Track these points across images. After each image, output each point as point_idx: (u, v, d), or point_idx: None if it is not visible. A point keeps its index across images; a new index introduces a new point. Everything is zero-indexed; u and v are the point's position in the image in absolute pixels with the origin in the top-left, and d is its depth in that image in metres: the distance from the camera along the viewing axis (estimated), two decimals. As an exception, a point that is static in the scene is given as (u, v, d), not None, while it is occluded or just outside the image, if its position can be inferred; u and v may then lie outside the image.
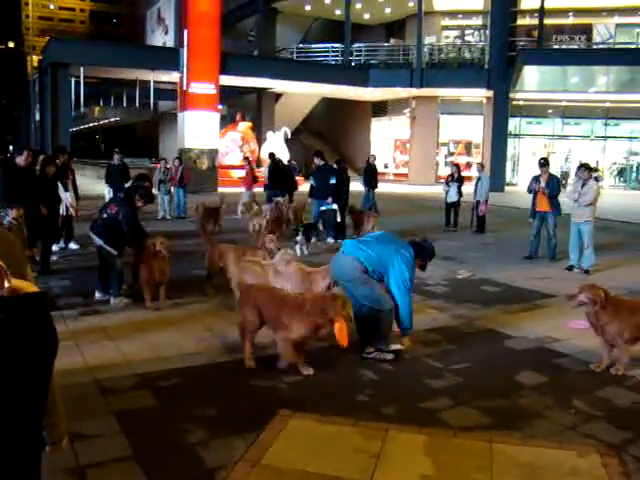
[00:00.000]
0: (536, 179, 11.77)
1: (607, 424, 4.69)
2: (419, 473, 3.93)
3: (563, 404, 5.01)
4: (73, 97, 31.52)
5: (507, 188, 30.98)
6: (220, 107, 28.90)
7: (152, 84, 30.85)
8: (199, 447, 4.20)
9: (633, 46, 32.72)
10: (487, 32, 32.98)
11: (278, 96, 36.54)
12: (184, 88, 26.94)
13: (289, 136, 33.21)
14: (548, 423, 4.69)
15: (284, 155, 31.64)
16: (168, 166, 17.85)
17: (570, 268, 10.86)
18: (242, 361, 5.82)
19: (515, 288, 9.39)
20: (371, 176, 18.64)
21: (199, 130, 26.84)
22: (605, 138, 35.74)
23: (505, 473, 3.94)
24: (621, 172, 36.28)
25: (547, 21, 31.23)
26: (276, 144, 32.41)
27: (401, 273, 5.89)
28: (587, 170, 10.73)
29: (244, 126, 31.82)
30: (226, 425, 4.55)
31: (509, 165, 34.27)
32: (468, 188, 16.81)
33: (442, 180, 18.07)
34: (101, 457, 4.04)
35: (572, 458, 4.15)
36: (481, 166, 16.84)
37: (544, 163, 11.88)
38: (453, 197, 16.14)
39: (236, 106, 34.31)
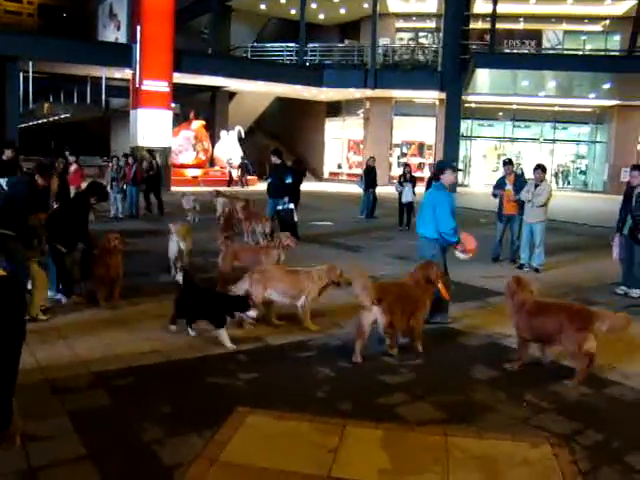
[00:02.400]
0: (500, 183, 11.91)
1: (557, 416, 4.83)
2: (376, 467, 3.98)
3: (515, 398, 5.13)
4: (22, 92, 30.77)
5: (459, 189, 31.39)
6: (173, 105, 28.56)
7: (104, 81, 30.34)
8: (156, 445, 4.17)
9: (580, 52, 33.54)
10: (440, 35, 33.41)
11: (232, 95, 36.35)
12: (137, 85, 26.55)
13: (243, 135, 33.10)
14: (501, 416, 4.81)
15: (237, 154, 31.62)
16: (120, 164, 17.59)
17: (521, 267, 11.09)
18: (198, 359, 5.80)
19: (468, 286, 9.53)
20: (372, 178, 18.55)
21: (152, 128, 26.51)
22: (554, 141, 36.67)
23: (460, 465, 4.02)
24: (567, 174, 37.24)
25: (499, 26, 31.79)
26: (230, 143, 32.30)
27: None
28: (542, 171, 10.97)
29: (197, 125, 31.54)
30: (183, 423, 4.52)
31: (461, 167, 34.77)
32: (420, 189, 16.99)
33: (394, 181, 18.24)
34: (54, 458, 3.96)
35: (524, 449, 4.26)
36: (434, 167, 17.05)
37: (508, 162, 12.10)
38: (408, 197, 16.33)
39: (189, 104, 33.91)
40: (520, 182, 11.66)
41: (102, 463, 3.93)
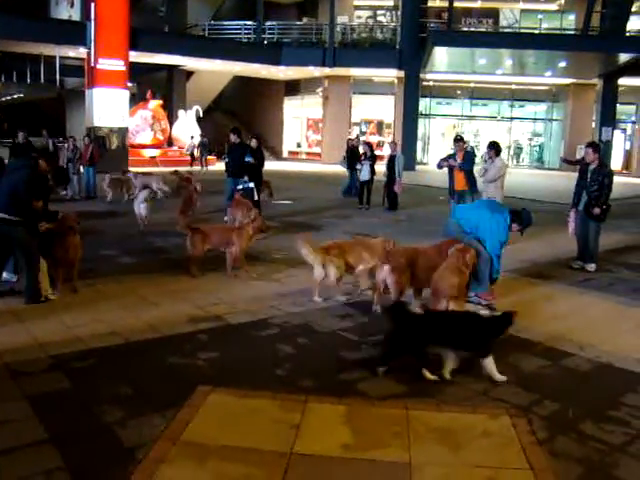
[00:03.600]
0: (450, 157, 11.99)
1: (516, 388, 4.93)
2: (338, 442, 4.01)
3: (474, 371, 5.21)
4: (-30, 72, 29.89)
5: (418, 167, 31.65)
6: (130, 84, 28.04)
7: (58, 59, 29.56)
8: (117, 427, 4.14)
9: (537, 31, 33.84)
10: (399, 13, 33.35)
11: (189, 74, 35.81)
12: (92, 64, 25.97)
13: (201, 115, 32.72)
14: (461, 389, 4.89)
15: (195, 134, 31.23)
16: (77, 144, 17.25)
17: None
18: (158, 340, 5.77)
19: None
20: (354, 158, 18.18)
21: (108, 108, 26.01)
22: (511, 119, 37.07)
23: (421, 438, 4.08)
24: (519, 152, 37.72)
25: (456, 4, 31.83)
26: (188, 123, 31.90)
27: (493, 233, 6.91)
28: (493, 149, 11.08)
29: (155, 104, 31.05)
30: (144, 404, 4.49)
31: (420, 144, 34.99)
32: (380, 167, 17.08)
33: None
34: (14, 443, 3.90)
35: (484, 421, 4.35)
36: (394, 145, 17.09)
37: (460, 139, 12.17)
38: (366, 176, 16.35)
39: (146, 84, 33.33)
40: (469, 159, 11.79)
41: (63, 446, 3.88)
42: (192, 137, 30.64)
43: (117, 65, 26.05)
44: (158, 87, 34.11)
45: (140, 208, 12.14)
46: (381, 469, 3.74)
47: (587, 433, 4.24)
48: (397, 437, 4.08)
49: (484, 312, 6.23)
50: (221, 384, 4.80)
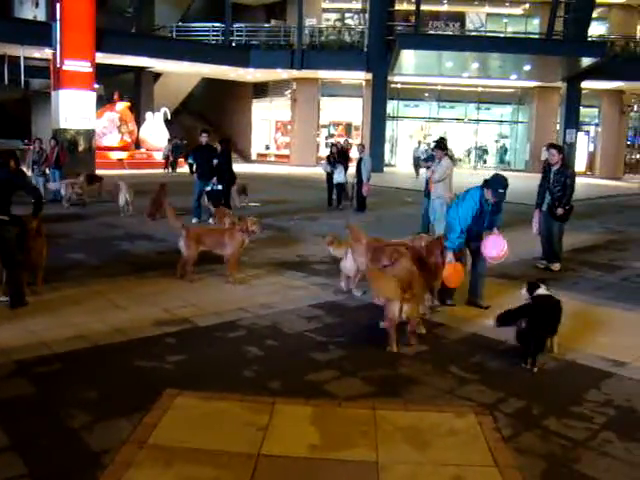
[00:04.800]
0: (429, 159, 12.09)
1: (481, 386, 5.01)
2: (306, 443, 4.03)
3: (441, 370, 5.27)
4: None
5: (386, 169, 31.82)
6: (96, 86, 27.67)
7: (22, 60, 29.07)
8: (83, 431, 4.10)
9: (502, 35, 34.26)
10: (366, 16, 33.48)
11: (157, 76, 35.54)
12: (58, 65, 25.57)
13: (169, 117, 32.48)
14: (427, 388, 4.94)
15: (163, 136, 31.01)
16: (43, 146, 17.01)
17: None
18: (124, 343, 5.72)
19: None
20: (345, 159, 18.02)
21: (74, 110, 25.66)
22: (478, 121, 37.48)
23: (388, 437, 4.11)
24: (483, 154, 38.14)
25: (423, 7, 32.07)
26: (156, 125, 31.66)
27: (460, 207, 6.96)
28: (439, 149, 11.24)
29: (122, 106, 30.73)
30: (111, 408, 4.45)
31: (387, 147, 35.17)
32: (350, 169, 17.15)
33: (323, 161, 18.28)
34: (-24, 450, 3.83)
35: (450, 419, 4.40)
36: (362, 147, 17.19)
37: (438, 146, 12.32)
38: (340, 178, 16.46)
39: (113, 85, 32.93)
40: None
41: (26, 453, 3.83)
42: (170, 140, 30.39)
43: (83, 66, 25.67)
44: (126, 89, 33.78)
45: (125, 196, 13.93)
46: (349, 469, 3.76)
47: (551, 429, 4.31)
48: (365, 437, 4.11)
49: None
50: (188, 387, 4.78)
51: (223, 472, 3.67)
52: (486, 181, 6.98)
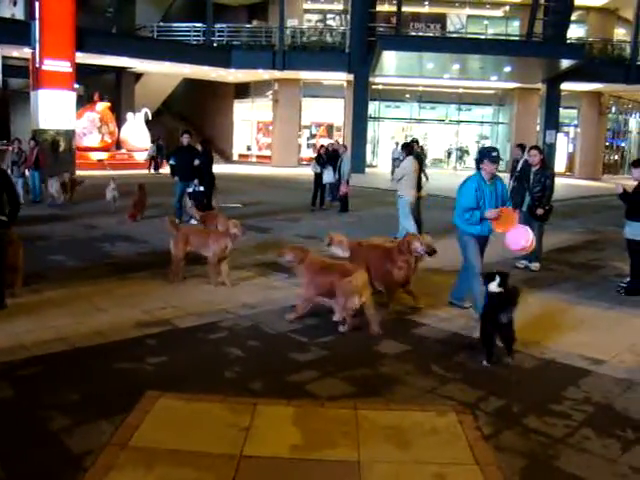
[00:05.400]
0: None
1: (462, 385, 5.05)
2: (288, 443, 4.03)
3: (422, 370, 5.30)
4: None
5: (367, 170, 31.90)
6: (76, 86, 27.47)
7: (0, 59, 28.78)
8: (63, 434, 4.07)
9: (483, 37, 34.47)
10: (348, 17, 33.55)
11: (138, 76, 35.37)
12: (37, 65, 25.36)
13: (150, 117, 32.31)
14: (409, 388, 4.97)
15: (144, 137, 30.84)
16: (22, 147, 16.83)
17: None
18: (105, 345, 5.69)
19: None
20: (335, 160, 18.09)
21: (54, 110, 25.45)
22: (458, 122, 37.69)
23: (370, 437, 4.12)
24: (467, 154, 38.34)
25: (405, 9, 32.22)
26: (136, 126, 31.49)
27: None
28: (404, 149, 11.65)
29: (102, 107, 30.52)
30: (91, 410, 4.42)
31: (369, 147, 35.24)
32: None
33: (305, 162, 18.29)
34: (-46, 454, 3.80)
35: (431, 418, 4.42)
36: (344, 147, 17.22)
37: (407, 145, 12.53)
38: (330, 178, 16.57)
39: (94, 86, 32.71)
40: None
41: (6, 456, 3.79)
42: (154, 140, 30.23)
43: (63, 66, 25.48)
44: (106, 89, 33.57)
45: (112, 193, 14.73)
46: (330, 468, 3.77)
47: (531, 427, 4.36)
48: (346, 436, 4.12)
49: None
50: (170, 388, 4.77)
51: (205, 473, 3.66)
52: (479, 158, 7.01)
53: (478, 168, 6.92)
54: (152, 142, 30.11)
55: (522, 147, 15.20)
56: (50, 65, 25.17)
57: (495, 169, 6.77)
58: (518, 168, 14.39)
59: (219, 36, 33.59)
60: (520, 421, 4.45)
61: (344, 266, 6.56)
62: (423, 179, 12.37)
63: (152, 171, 28.58)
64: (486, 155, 6.77)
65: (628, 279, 8.51)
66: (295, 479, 3.68)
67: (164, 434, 4.11)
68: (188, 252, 8.24)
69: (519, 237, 6.65)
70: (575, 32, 35.06)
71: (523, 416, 4.52)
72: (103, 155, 29.44)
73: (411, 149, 11.78)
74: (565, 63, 28.88)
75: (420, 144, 19.17)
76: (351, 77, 32.13)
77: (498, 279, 5.60)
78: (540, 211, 9.50)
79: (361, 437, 4.12)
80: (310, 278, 6.51)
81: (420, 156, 12.67)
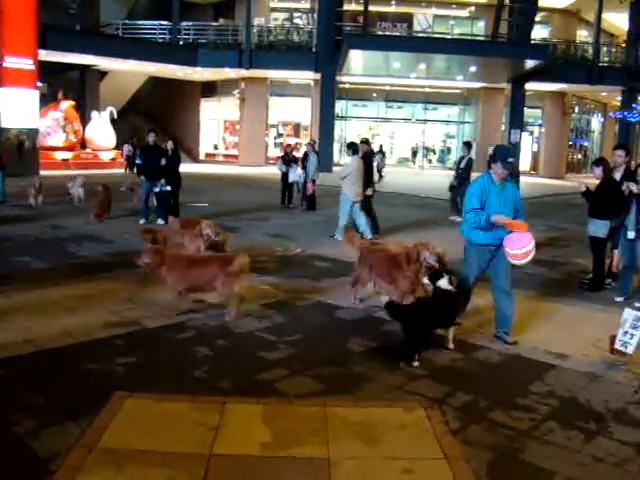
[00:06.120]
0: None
1: (429, 381, 5.11)
2: (258, 441, 4.04)
3: (390, 367, 5.35)
4: None
5: (335, 169, 31.92)
6: (40, 84, 27.03)
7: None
8: (29, 437, 4.02)
9: (449, 37, 34.78)
10: (315, 16, 33.58)
11: (103, 74, 34.94)
12: (-2, 62, 24.94)
13: (115, 116, 31.94)
14: (377, 385, 5.01)
15: (110, 136, 30.48)
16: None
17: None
18: (72, 346, 5.63)
19: (344, 262, 9.75)
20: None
21: (17, 109, 25.02)
22: (425, 121, 37.99)
23: (339, 434, 4.15)
24: (432, 153, 38.71)
25: (372, 8, 32.38)
26: (102, 125, 31.10)
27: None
28: (350, 149, 11.98)
29: (66, 105, 30.06)
30: (58, 412, 4.37)
31: (336, 146, 35.31)
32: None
33: (272, 161, 18.32)
34: None
35: (400, 414, 4.47)
36: (311, 146, 17.24)
37: (365, 141, 12.99)
38: (295, 177, 16.64)
39: (58, 84, 32.22)
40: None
41: (-31, 461, 3.73)
42: (129, 141, 29.88)
43: (25, 64, 25.06)
44: (70, 87, 33.09)
45: (78, 190, 15.05)
46: (300, 465, 3.79)
47: (497, 421, 4.43)
48: (316, 434, 4.14)
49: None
50: (138, 389, 4.74)
51: (175, 473, 3.65)
52: (491, 156, 6.49)
53: (489, 167, 6.36)
54: (127, 142, 29.73)
55: (468, 145, 15.63)
56: (12, 62, 24.72)
57: (506, 175, 6.10)
58: (462, 165, 14.99)
59: (185, 34, 33.36)
60: (487, 415, 4.52)
61: (222, 256, 6.89)
62: (376, 177, 12.65)
63: (129, 171, 28.26)
64: (500, 159, 6.06)
65: (591, 275, 8.68)
66: (265, 477, 3.69)
67: (133, 435, 4.08)
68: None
69: (517, 240, 5.89)
70: (539, 33, 35.61)
71: (490, 410, 4.60)
72: (68, 155, 29.02)
73: (356, 148, 12.03)
74: (529, 63, 29.28)
75: (371, 143, 19.44)
76: (318, 76, 32.16)
77: (447, 277, 5.75)
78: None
79: (330, 434, 4.14)
80: (180, 274, 6.54)
81: (370, 156, 12.80)
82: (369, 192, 12.06)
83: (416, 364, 5.37)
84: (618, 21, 36.82)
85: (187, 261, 6.77)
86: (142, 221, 12.80)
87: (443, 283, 5.85)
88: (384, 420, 4.37)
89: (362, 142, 12.70)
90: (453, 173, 15.58)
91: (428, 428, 4.27)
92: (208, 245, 8.02)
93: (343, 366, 5.38)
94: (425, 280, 6.08)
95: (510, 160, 6.09)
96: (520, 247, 5.84)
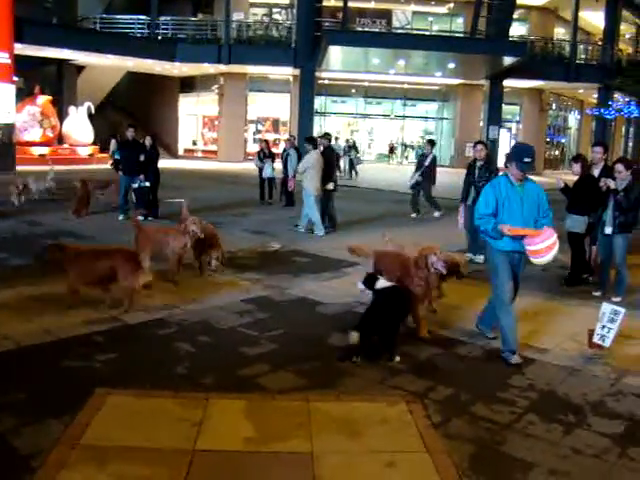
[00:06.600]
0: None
1: (411, 375, 5.15)
2: (241, 436, 4.05)
3: (372, 362, 5.37)
4: None
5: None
6: (16, 79, 26.68)
7: None
8: (10, 435, 3.99)
9: (427, 33, 34.87)
10: (294, 11, 33.47)
11: (80, 69, 34.55)
12: (-28, 56, 24.58)
13: (93, 111, 31.63)
14: (359, 379, 5.04)
15: (87, 132, 30.18)
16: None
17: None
18: (52, 344, 5.58)
19: (324, 258, 9.79)
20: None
21: (-8, 103, 24.69)
22: (404, 117, 38.11)
23: (323, 428, 4.17)
24: (410, 149, 38.83)
25: (351, 4, 32.30)
26: (79, 120, 30.79)
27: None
28: (310, 143, 12.29)
29: (43, 100, 29.69)
30: (39, 410, 4.35)
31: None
32: (277, 164, 17.21)
33: (251, 157, 18.27)
34: None
35: (382, 408, 4.51)
36: (290, 142, 17.22)
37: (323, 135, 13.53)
38: (268, 173, 16.61)
39: (34, 78, 31.79)
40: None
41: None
42: (113, 137, 29.56)
43: (1, 57, 24.72)
44: (47, 82, 32.71)
45: (49, 182, 15.30)
46: (284, 460, 3.80)
47: (478, 414, 4.49)
48: (299, 428, 4.16)
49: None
50: (120, 385, 4.73)
51: (158, 469, 3.65)
52: (508, 156, 5.97)
53: (506, 166, 5.86)
54: (114, 137, 29.41)
55: (432, 143, 15.76)
56: (-13, 56, 24.38)
57: (523, 176, 5.61)
58: (426, 163, 15.08)
59: (164, 29, 33.06)
60: (468, 409, 4.57)
61: (125, 249, 6.86)
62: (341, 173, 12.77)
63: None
64: (516, 158, 5.56)
65: (569, 270, 8.78)
66: (249, 472, 3.70)
67: (115, 431, 4.07)
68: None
69: (541, 239, 5.40)
70: (517, 30, 35.84)
71: (471, 404, 4.65)
72: (45, 150, 28.69)
73: (315, 143, 12.28)
74: (507, 60, 29.48)
75: (334, 138, 19.51)
76: (297, 72, 32.07)
77: (382, 280, 5.70)
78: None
79: (313, 429, 4.16)
80: (80, 269, 6.56)
81: (330, 150, 12.92)
82: (330, 186, 12.18)
83: (397, 359, 5.38)
84: (594, 19, 37.15)
85: (89, 256, 6.75)
86: (121, 217, 12.71)
87: (381, 284, 5.70)
88: (366, 414, 4.39)
89: (321, 137, 12.92)
90: (417, 172, 15.34)
91: (410, 422, 4.30)
92: (194, 242, 7.95)
93: (325, 361, 5.39)
94: (360, 286, 5.79)
95: (527, 160, 5.50)
96: (541, 240, 5.37)
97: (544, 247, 5.38)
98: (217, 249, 8.32)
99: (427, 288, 6.08)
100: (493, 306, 5.91)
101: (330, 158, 12.45)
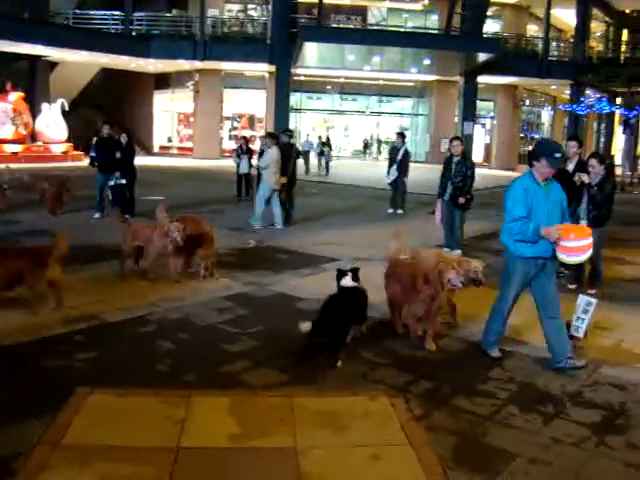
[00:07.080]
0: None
1: (392, 369, 5.20)
2: (225, 433, 4.05)
3: (353, 356, 5.40)
4: None
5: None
6: (-14, 75, 26.36)
7: None
8: (-11, 437, 3.93)
9: (402, 30, 35.01)
10: (269, 7, 33.39)
11: (53, 65, 34.11)
12: (-59, 53, 24.17)
13: (66, 108, 31.27)
14: (341, 374, 5.06)
15: (61, 129, 29.82)
16: None
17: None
18: (32, 343, 5.53)
19: (303, 254, 9.81)
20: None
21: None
22: (379, 114, 38.24)
23: (305, 423, 4.19)
24: (384, 144, 38.94)
25: (326, 1, 32.32)
26: (52, 117, 30.44)
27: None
28: (270, 138, 12.42)
29: (15, 97, 29.29)
30: (19, 410, 4.30)
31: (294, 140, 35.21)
32: (254, 160, 17.22)
33: (227, 154, 18.22)
34: None
35: (364, 402, 4.54)
36: (264, 138, 17.20)
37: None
38: (244, 169, 16.65)
39: (5, 75, 31.36)
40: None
41: None
42: (95, 134, 29.23)
43: (-29, 54, 24.40)
44: (19, 78, 32.23)
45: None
46: (268, 456, 3.82)
47: (460, 407, 4.54)
48: (282, 424, 4.18)
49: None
50: (101, 384, 4.69)
51: (142, 468, 3.64)
52: (533, 152, 5.52)
53: (531, 165, 5.39)
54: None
55: (402, 136, 15.86)
56: (-44, 52, 23.98)
57: (551, 174, 5.27)
58: (399, 157, 15.10)
59: (138, 25, 32.76)
60: (449, 402, 4.62)
61: (32, 248, 6.82)
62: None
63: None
64: (546, 154, 5.16)
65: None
66: (233, 468, 3.70)
67: (98, 431, 4.05)
68: (136, 247, 8.08)
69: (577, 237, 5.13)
70: (491, 27, 36.15)
71: (452, 397, 4.70)
72: (18, 147, 28.32)
73: (276, 138, 12.42)
74: (482, 57, 29.73)
75: (306, 134, 19.58)
76: (273, 68, 32.00)
77: (350, 274, 5.69)
78: (462, 200, 9.82)
79: (297, 424, 4.18)
80: None
81: (292, 146, 13.18)
82: (283, 180, 12.27)
83: (339, 364, 5.17)
84: (566, 17, 37.63)
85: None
86: (97, 215, 12.60)
87: (346, 282, 5.69)
88: (349, 409, 4.42)
89: (282, 132, 13.12)
90: (393, 168, 15.32)
91: (392, 415, 4.34)
92: (175, 247, 7.81)
93: (306, 357, 5.40)
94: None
95: (557, 156, 5.16)
96: (577, 239, 5.08)
97: (581, 245, 5.12)
98: (208, 250, 8.03)
99: (432, 307, 5.67)
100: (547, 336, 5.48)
101: (286, 153, 12.47)
